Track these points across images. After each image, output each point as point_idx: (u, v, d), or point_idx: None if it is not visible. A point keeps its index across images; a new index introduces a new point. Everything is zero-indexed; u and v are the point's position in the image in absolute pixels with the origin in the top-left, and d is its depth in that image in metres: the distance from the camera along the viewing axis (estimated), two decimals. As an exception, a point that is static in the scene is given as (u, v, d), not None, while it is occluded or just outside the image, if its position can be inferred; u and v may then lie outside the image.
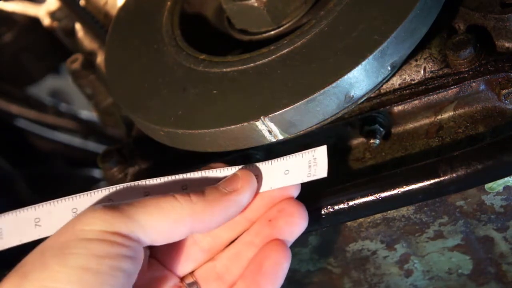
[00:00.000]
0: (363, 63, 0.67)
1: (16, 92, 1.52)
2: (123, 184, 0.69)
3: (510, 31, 0.72)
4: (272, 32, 0.82)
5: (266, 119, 0.68)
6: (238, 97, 0.72)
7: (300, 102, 0.67)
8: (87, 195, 0.69)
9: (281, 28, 0.81)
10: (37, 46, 1.43)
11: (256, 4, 0.79)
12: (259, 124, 0.69)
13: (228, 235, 0.71)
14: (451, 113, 0.75)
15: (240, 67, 0.74)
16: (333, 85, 0.67)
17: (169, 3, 0.87)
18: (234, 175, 0.68)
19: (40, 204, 0.68)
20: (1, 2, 1.36)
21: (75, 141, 1.54)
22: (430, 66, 0.74)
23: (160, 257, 0.70)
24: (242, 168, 0.69)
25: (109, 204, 0.64)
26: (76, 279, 0.59)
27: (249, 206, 0.69)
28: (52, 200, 0.69)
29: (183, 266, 0.71)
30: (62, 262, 0.60)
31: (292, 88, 0.69)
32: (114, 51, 0.89)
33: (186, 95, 0.76)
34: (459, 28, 0.75)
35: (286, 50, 0.73)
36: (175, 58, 0.80)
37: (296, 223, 0.68)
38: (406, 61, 0.72)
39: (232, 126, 0.70)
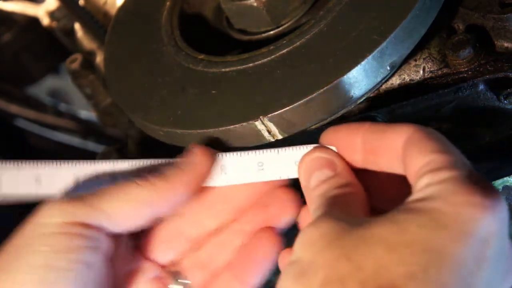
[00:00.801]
0: (363, 63, 0.67)
1: (16, 92, 1.52)
2: (129, 160, 0.70)
3: (509, 31, 0.72)
4: (272, 32, 0.82)
5: (265, 119, 0.68)
6: (237, 97, 0.72)
7: (300, 102, 0.67)
8: (89, 164, 0.69)
9: (281, 28, 0.81)
10: (37, 46, 1.42)
11: (255, 4, 0.79)
12: (258, 124, 0.69)
13: (213, 223, 0.71)
14: (450, 113, 0.75)
15: (239, 67, 0.74)
16: (333, 85, 0.67)
17: (168, 3, 0.87)
18: (190, 151, 0.68)
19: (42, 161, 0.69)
20: (1, 2, 1.35)
21: (75, 141, 1.53)
22: (429, 66, 0.74)
23: (143, 247, 0.70)
24: (198, 146, 0.69)
25: (70, 194, 0.64)
26: (38, 279, 0.59)
27: (235, 194, 0.69)
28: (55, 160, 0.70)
29: (167, 255, 0.71)
30: (24, 262, 0.60)
31: (291, 88, 0.69)
32: (113, 51, 0.89)
33: (185, 95, 0.76)
34: (458, 28, 0.75)
35: (285, 50, 0.73)
36: (174, 58, 0.80)
37: (289, 208, 0.69)
38: (405, 61, 0.72)
39: (231, 126, 0.70)
